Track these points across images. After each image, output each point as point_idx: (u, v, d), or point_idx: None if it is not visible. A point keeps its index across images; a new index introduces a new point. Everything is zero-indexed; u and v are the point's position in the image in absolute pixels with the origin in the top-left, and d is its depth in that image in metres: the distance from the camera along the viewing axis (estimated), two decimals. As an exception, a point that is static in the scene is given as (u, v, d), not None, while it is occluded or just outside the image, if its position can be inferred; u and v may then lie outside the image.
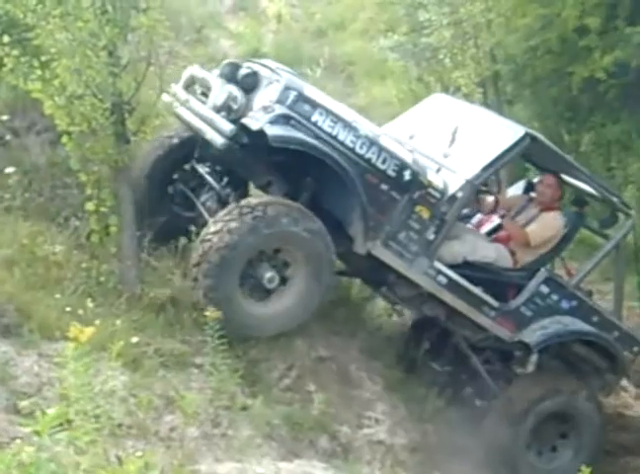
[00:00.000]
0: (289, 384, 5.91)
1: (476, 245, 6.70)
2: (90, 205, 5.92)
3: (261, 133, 5.71)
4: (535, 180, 7.33)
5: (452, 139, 6.53)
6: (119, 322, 5.38)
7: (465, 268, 6.53)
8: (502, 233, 7.04)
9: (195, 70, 6.77)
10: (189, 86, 6.78)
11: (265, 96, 5.99)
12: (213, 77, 6.43)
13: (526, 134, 6.44)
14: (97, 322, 4.93)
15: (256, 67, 6.36)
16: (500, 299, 6.60)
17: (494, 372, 6.91)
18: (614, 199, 7.02)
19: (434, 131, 6.92)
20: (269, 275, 5.84)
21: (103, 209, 5.88)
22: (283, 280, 5.95)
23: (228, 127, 5.86)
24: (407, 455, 6.07)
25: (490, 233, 7.21)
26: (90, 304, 5.33)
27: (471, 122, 6.80)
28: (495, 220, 7.29)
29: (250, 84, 6.15)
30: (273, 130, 5.69)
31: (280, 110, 5.82)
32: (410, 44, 11.74)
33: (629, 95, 8.79)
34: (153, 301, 5.88)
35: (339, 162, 5.85)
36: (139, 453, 4.35)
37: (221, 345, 5.33)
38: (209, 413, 5.22)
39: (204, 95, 6.48)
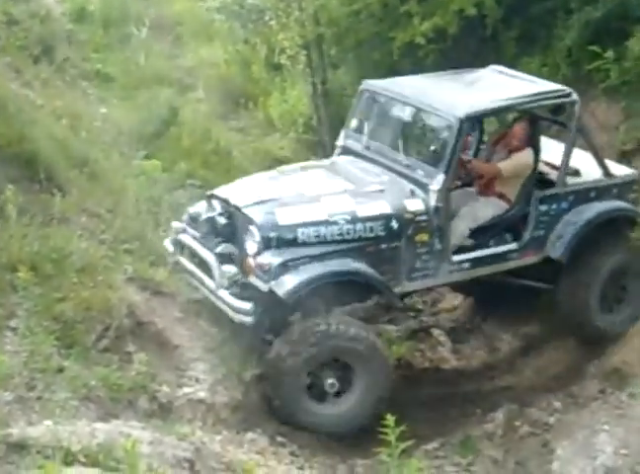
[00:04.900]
0: (108, 345, 5.85)
1: (474, 212, 7.19)
2: None
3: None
4: None
5: (404, 142, 7.01)
6: None
7: (475, 234, 7.11)
8: (478, 182, 7.45)
9: (182, 236, 6.91)
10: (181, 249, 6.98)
11: (250, 242, 6.40)
12: (207, 253, 6.62)
13: (462, 120, 6.75)
14: None
15: (224, 208, 6.68)
16: (515, 236, 7.27)
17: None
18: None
19: (383, 132, 7.39)
20: (330, 381, 6.35)
21: None
22: (348, 383, 6.41)
23: (247, 306, 6.30)
24: (228, 413, 6.12)
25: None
26: None
27: (410, 112, 7.24)
28: None
29: (229, 232, 6.62)
30: (281, 288, 6.18)
31: (273, 260, 6.25)
32: (236, 6, 11.72)
33: (448, 60, 9.07)
34: (-37, 263, 5.68)
35: (344, 272, 6.38)
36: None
37: (36, 306, 5.22)
38: (24, 376, 5.12)
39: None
